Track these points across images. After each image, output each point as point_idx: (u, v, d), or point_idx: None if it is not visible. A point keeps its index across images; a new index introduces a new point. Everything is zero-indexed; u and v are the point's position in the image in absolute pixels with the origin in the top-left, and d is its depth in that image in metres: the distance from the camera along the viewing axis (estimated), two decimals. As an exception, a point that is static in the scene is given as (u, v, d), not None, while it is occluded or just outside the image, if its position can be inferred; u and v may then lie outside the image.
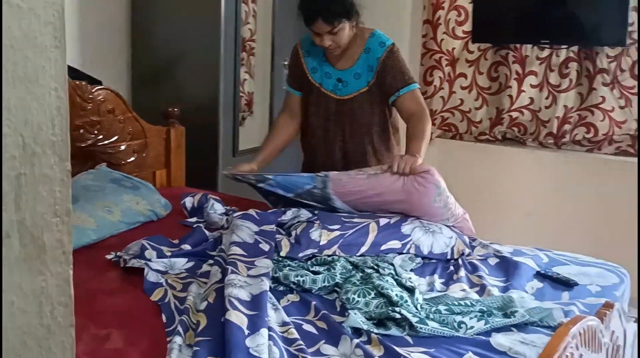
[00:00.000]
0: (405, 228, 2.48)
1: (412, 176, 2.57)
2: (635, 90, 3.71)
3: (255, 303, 1.92)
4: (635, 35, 3.65)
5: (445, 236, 2.50)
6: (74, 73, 3.15)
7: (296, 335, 1.82)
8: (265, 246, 2.31)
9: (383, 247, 2.42)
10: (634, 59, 3.68)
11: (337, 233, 2.42)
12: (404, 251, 2.43)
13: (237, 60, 3.63)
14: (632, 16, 3.62)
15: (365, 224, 2.47)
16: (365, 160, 2.93)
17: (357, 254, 2.39)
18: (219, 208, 2.81)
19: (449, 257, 2.48)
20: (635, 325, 2.52)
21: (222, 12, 3.48)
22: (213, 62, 3.54)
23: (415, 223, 2.51)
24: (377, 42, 2.85)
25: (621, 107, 3.76)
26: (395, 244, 2.43)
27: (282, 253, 2.36)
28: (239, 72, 3.67)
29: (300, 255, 2.35)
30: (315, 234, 2.41)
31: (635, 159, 3.72)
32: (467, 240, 2.59)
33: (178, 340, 1.79)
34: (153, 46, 3.71)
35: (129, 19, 3.72)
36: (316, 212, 2.62)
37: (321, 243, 2.38)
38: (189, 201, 2.93)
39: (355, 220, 2.51)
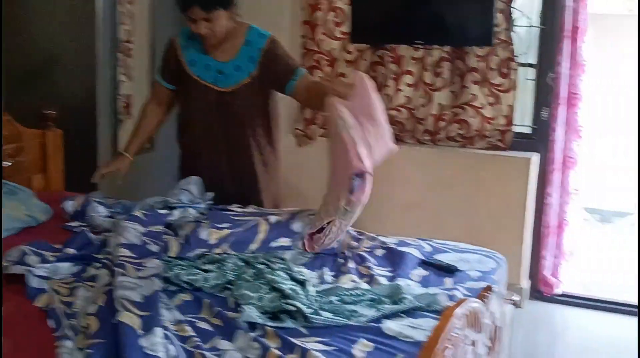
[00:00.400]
0: (295, 226, 2.51)
1: None
2: (503, 88, 3.92)
3: (148, 304, 1.90)
4: (501, 36, 3.86)
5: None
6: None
7: (191, 332, 1.82)
8: (153, 248, 2.29)
9: (273, 244, 2.45)
10: (501, 58, 3.89)
11: (227, 231, 2.43)
12: (294, 248, 2.46)
13: (115, 61, 3.55)
14: (498, 17, 3.83)
15: (254, 222, 2.49)
16: (249, 154, 2.97)
17: (247, 252, 2.40)
18: (102, 210, 2.75)
19: (337, 251, 2.54)
20: (512, 307, 2.68)
21: (98, 13, 3.41)
22: (90, 63, 3.47)
23: (305, 220, 2.56)
24: (256, 34, 2.93)
25: (491, 104, 3.96)
26: (285, 241, 2.47)
27: (172, 254, 2.34)
28: (117, 73, 3.59)
29: (190, 254, 2.35)
30: (204, 233, 2.41)
31: (506, 153, 3.94)
32: (354, 234, 2.66)
33: (68, 344, 1.75)
34: (27, 46, 3.57)
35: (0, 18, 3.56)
36: (204, 211, 2.62)
37: (210, 242, 2.38)
38: (70, 205, 2.84)
39: (244, 218, 2.53)
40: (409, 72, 4.06)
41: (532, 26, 3.89)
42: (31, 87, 3.58)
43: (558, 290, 4.04)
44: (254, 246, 2.42)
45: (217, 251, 2.37)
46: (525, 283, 4.01)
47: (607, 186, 5.74)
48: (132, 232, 2.37)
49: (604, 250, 5.20)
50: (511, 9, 3.83)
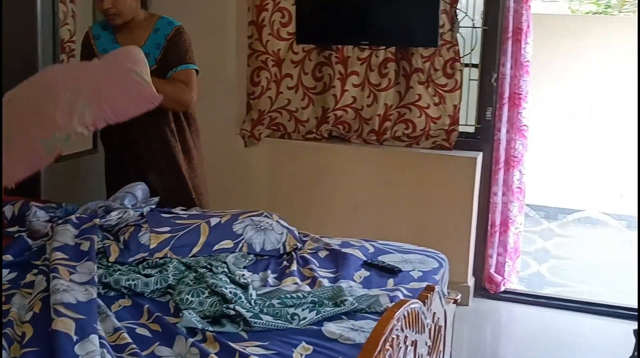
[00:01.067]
0: (237, 227, 2.51)
1: None
2: (448, 88, 3.96)
3: (83, 308, 1.88)
4: (446, 37, 3.90)
5: (276, 232, 2.55)
6: None
7: (129, 340, 1.80)
8: (85, 246, 2.25)
9: (215, 247, 2.44)
10: (445, 58, 3.93)
11: (167, 235, 2.41)
12: (237, 250, 2.46)
13: (56, 61, 3.48)
14: (442, 18, 3.87)
15: (196, 225, 2.48)
16: (166, 142, 3.02)
17: (190, 255, 2.39)
18: (42, 215, 2.69)
19: (281, 252, 2.54)
20: (454, 306, 2.71)
21: (38, 12, 3.34)
22: (30, 63, 3.38)
23: (247, 221, 2.55)
24: (165, 22, 3.03)
25: (435, 104, 3.99)
26: (227, 244, 2.46)
27: (112, 259, 2.31)
28: (59, 74, 3.52)
29: (130, 259, 2.32)
30: (144, 238, 2.39)
31: (451, 152, 3.98)
32: (297, 235, 2.66)
33: (2, 354, 1.71)
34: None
35: None
36: (144, 213, 2.59)
37: (151, 247, 2.36)
38: (8, 210, 2.77)
39: (185, 221, 2.51)
40: (355, 73, 4.08)
41: (476, 27, 3.94)
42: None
43: (503, 288, 4.10)
44: (196, 249, 2.40)
45: (159, 255, 2.35)
46: (471, 281, 4.06)
47: (553, 184, 5.86)
48: (66, 234, 2.33)
49: (549, 247, 5.30)
50: (455, 10, 3.88)
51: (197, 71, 3.05)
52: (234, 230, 2.49)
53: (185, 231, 2.45)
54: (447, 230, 3.95)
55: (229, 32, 4.15)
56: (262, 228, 2.54)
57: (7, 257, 2.33)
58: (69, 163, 3.66)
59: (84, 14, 3.76)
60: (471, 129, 4.07)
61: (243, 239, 2.48)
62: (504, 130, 3.97)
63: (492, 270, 4.10)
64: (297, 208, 4.09)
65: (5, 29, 3.39)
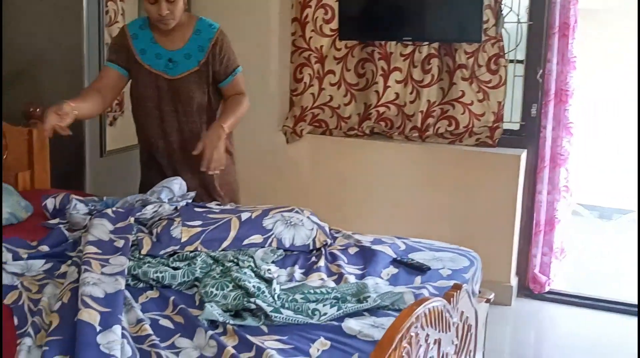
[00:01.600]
0: (267, 222, 2.52)
1: None
2: (492, 84, 3.90)
3: (109, 301, 1.91)
4: (490, 32, 3.84)
5: (306, 228, 2.56)
6: None
7: (149, 331, 1.83)
8: (120, 244, 2.30)
9: (245, 241, 2.46)
10: (489, 54, 3.87)
11: (198, 229, 2.44)
12: (266, 245, 2.47)
13: (101, 59, 3.56)
14: (486, 14, 3.81)
15: (226, 219, 2.50)
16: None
17: (219, 249, 2.41)
18: (81, 208, 2.76)
19: (311, 248, 2.54)
20: (487, 305, 2.67)
21: (84, 12, 3.42)
22: (76, 62, 3.47)
23: (277, 216, 2.56)
24: (206, 25, 3.02)
25: (479, 101, 3.95)
26: (257, 238, 2.47)
27: (144, 252, 2.36)
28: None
29: (162, 252, 2.36)
30: (176, 231, 2.42)
31: (494, 150, 3.92)
32: (328, 231, 2.66)
33: (28, 341, 1.77)
34: (14, 46, 3.58)
35: (-13, 17, 3.59)
36: (178, 207, 2.64)
37: (182, 240, 2.39)
38: (50, 203, 2.86)
39: (217, 216, 2.54)
40: (398, 69, 4.06)
41: (521, 22, 3.86)
42: (18, 86, 3.59)
43: (547, 288, 4.02)
44: (225, 244, 2.43)
45: (189, 248, 2.38)
46: (514, 281, 3.99)
47: (607, 184, 5.70)
48: (101, 228, 2.38)
49: (602, 247, 5.16)
50: (500, 5, 3.82)
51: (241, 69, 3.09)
52: (263, 225, 2.51)
53: (216, 225, 2.47)
54: (489, 229, 3.90)
55: (272, 29, 4.18)
56: (292, 223, 2.55)
57: (44, 248, 2.40)
58: (113, 158, 3.75)
59: (132, 11, 3.84)
60: (515, 126, 4.01)
61: (273, 234, 2.49)
62: (549, 127, 3.89)
63: (536, 270, 4.03)
64: (337, 204, 4.10)
65: (54, 29, 3.49)
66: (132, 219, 2.50)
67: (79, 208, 2.75)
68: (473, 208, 3.94)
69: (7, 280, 2.15)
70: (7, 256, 2.29)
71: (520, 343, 3.65)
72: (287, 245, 2.50)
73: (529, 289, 4.06)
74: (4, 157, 3.21)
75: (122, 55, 2.99)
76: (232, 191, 3.21)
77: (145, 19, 3.00)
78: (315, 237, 2.56)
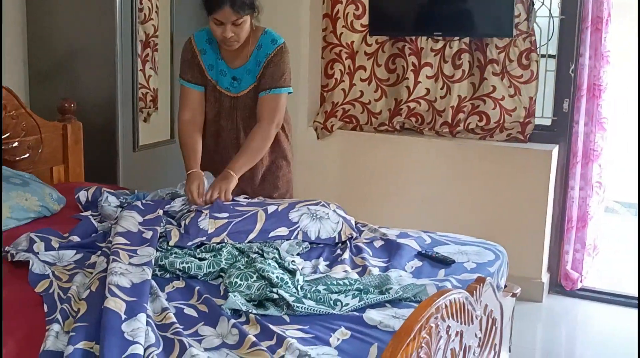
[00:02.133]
0: (293, 215, 2.55)
1: None
2: (523, 79, 3.88)
3: (135, 291, 1.95)
4: (521, 27, 3.82)
5: (332, 221, 2.58)
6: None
7: (174, 319, 1.86)
8: (148, 235, 2.34)
9: (271, 234, 2.49)
10: (520, 49, 3.85)
11: (225, 221, 2.47)
12: (292, 238, 2.50)
13: (134, 56, 3.62)
14: (518, 8, 3.78)
15: (253, 212, 2.53)
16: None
17: (246, 241, 2.45)
18: (113, 200, 2.82)
19: (336, 241, 2.56)
20: (513, 300, 2.66)
21: (117, 8, 3.48)
22: (110, 58, 3.53)
23: (303, 209, 2.58)
24: (269, 39, 2.92)
25: (511, 96, 3.92)
26: (282, 231, 2.50)
27: (172, 243, 2.40)
28: (137, 68, 3.66)
29: (189, 243, 2.40)
30: (203, 223, 2.46)
31: (526, 145, 3.89)
32: (354, 224, 2.68)
33: (56, 327, 1.81)
34: (50, 42, 3.66)
35: (24, 14, 3.67)
36: None
37: (209, 231, 2.43)
38: (82, 195, 2.92)
39: (243, 208, 2.57)
40: (429, 64, 4.06)
41: (553, 16, 3.83)
42: (54, 82, 3.68)
43: (579, 285, 3.98)
44: (252, 236, 2.46)
45: (216, 240, 2.42)
46: (545, 278, 3.96)
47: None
48: (130, 220, 2.43)
49: (637, 245, 5.07)
50: (531, -1, 3.80)
51: (289, 92, 2.99)
52: (290, 218, 2.54)
53: (242, 217, 2.50)
54: (520, 225, 3.87)
55: (303, 26, 4.20)
56: (318, 216, 2.57)
57: (75, 238, 2.45)
58: (146, 153, 3.81)
59: (166, 8, 3.90)
60: (547, 122, 3.98)
61: (298, 227, 2.52)
62: (582, 122, 3.85)
63: (568, 267, 3.99)
64: (368, 200, 4.11)
65: (88, 25, 3.56)
66: (160, 212, 2.55)
67: (110, 200, 2.82)
68: (503, 204, 3.92)
69: (39, 268, 2.21)
70: (39, 246, 2.35)
71: (551, 340, 3.62)
72: (313, 237, 2.52)
73: (560, 286, 4.03)
74: (40, 151, 3.29)
75: (195, 72, 2.96)
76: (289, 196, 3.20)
77: (209, 31, 2.89)
78: (341, 230, 2.58)
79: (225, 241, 2.43)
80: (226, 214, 2.52)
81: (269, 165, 3.08)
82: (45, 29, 3.66)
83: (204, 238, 2.43)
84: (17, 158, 3.17)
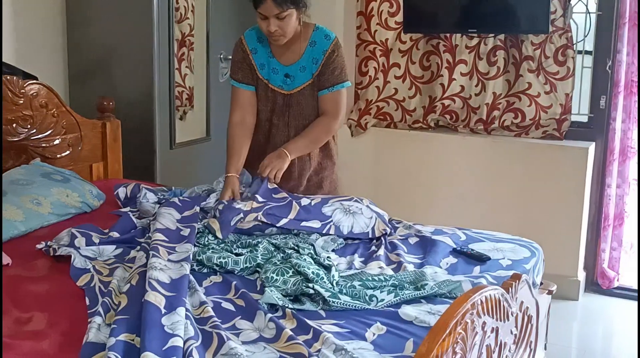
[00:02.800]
0: (326, 210, 2.57)
1: None
2: (559, 76, 3.85)
3: (175, 286, 1.99)
4: (557, 23, 3.79)
5: (365, 216, 2.60)
6: (8, 69, 3.17)
7: (212, 313, 1.89)
8: (185, 232, 2.38)
9: (304, 223, 2.51)
10: (556, 46, 3.82)
11: (261, 204, 2.52)
12: (324, 232, 2.52)
13: (171, 55, 3.67)
14: (554, 4, 3.76)
15: (288, 201, 2.58)
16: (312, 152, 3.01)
17: (278, 224, 2.49)
18: (151, 197, 2.86)
19: (370, 236, 2.58)
20: (549, 297, 2.65)
21: (154, 8, 3.53)
22: (147, 57, 3.58)
23: (336, 204, 2.60)
24: (322, 35, 2.91)
25: (546, 93, 3.90)
26: (315, 223, 2.52)
27: (218, 234, 2.43)
28: (173, 66, 3.71)
29: (231, 224, 2.44)
30: (240, 204, 2.51)
31: (562, 142, 3.87)
32: (387, 219, 2.69)
33: (98, 319, 1.86)
34: (89, 42, 3.73)
35: (64, 14, 3.74)
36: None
37: (245, 209, 2.47)
38: (122, 192, 2.98)
39: (279, 196, 2.62)
40: (463, 61, 4.05)
41: (590, 12, 3.79)
42: (93, 81, 3.74)
43: (616, 283, 3.94)
44: (284, 221, 2.50)
45: (251, 216, 2.46)
46: (581, 276, 3.93)
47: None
48: (168, 217, 2.47)
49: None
50: (568, -5, 3.77)
51: (349, 85, 2.99)
52: (323, 211, 2.56)
53: (278, 204, 2.55)
54: (556, 223, 3.85)
55: (337, 23, 4.21)
56: (351, 211, 2.59)
57: (115, 234, 2.50)
58: (183, 150, 3.86)
59: (201, 8, 3.94)
60: (584, 119, 3.94)
61: (331, 221, 2.54)
62: (619, 119, 3.81)
63: (605, 265, 3.96)
64: (401, 197, 4.11)
65: (126, 25, 3.62)
66: (197, 209, 2.59)
67: (148, 196, 2.86)
68: (539, 202, 3.89)
69: (80, 263, 2.26)
70: (80, 241, 2.40)
71: (587, 338, 3.59)
72: (346, 232, 2.54)
73: (597, 284, 3.99)
74: (79, 148, 3.35)
75: (247, 72, 2.95)
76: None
77: (259, 30, 2.89)
78: (374, 225, 2.59)
79: (259, 218, 2.46)
80: (264, 199, 2.56)
81: (316, 166, 3.08)
82: (84, 29, 3.72)
83: (241, 215, 2.46)
84: (58, 155, 3.24)
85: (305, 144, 2.89)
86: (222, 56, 4.05)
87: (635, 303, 3.85)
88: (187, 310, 1.89)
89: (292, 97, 2.95)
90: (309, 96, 2.94)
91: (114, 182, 3.25)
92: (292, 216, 2.51)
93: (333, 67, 2.88)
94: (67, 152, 3.28)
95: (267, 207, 2.51)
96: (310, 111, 2.96)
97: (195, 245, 2.36)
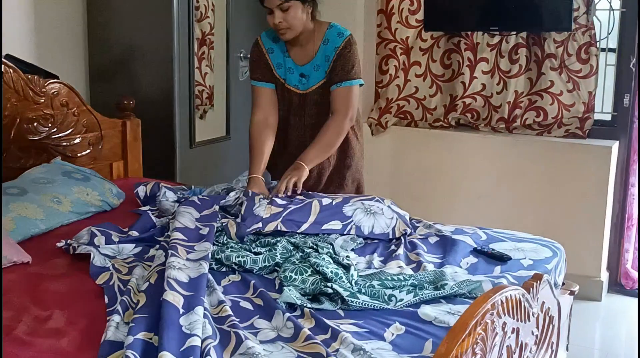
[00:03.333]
0: (347, 209, 2.55)
1: None
2: (582, 74, 3.80)
3: (193, 285, 1.98)
4: (580, 20, 3.74)
5: (386, 217, 2.57)
6: (29, 68, 3.19)
7: (230, 312, 1.88)
8: (204, 231, 2.38)
9: (325, 226, 2.49)
10: (579, 43, 3.78)
11: (281, 208, 2.49)
12: (345, 232, 2.50)
13: (191, 54, 3.68)
14: (577, 1, 3.71)
15: (308, 202, 2.55)
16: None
17: (299, 231, 2.46)
18: (170, 196, 2.86)
19: (390, 237, 2.56)
20: (571, 298, 2.62)
21: (174, 7, 3.54)
22: (167, 56, 3.59)
23: (357, 204, 2.58)
24: (335, 33, 2.90)
25: (569, 91, 3.86)
26: (336, 224, 2.50)
27: (232, 235, 2.42)
28: (193, 65, 3.72)
29: (248, 230, 2.42)
30: (258, 210, 2.48)
31: (585, 141, 3.82)
32: (408, 220, 2.67)
33: (116, 318, 1.86)
34: (109, 41, 3.75)
35: (85, 13, 3.76)
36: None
37: (264, 217, 2.45)
38: (141, 190, 2.98)
39: (299, 198, 2.60)
40: (485, 59, 4.02)
41: (613, 9, 3.74)
42: (114, 80, 3.76)
43: (640, 284, 3.90)
44: (305, 226, 2.47)
45: (270, 226, 2.43)
46: (604, 276, 3.88)
47: None
48: (187, 216, 2.46)
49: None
50: (591, -8, 3.72)
51: (361, 84, 2.96)
52: (344, 211, 2.54)
53: (297, 205, 2.52)
54: (578, 223, 3.80)
55: (357, 21, 4.20)
56: (372, 211, 2.57)
57: (134, 233, 2.51)
58: (203, 149, 3.87)
59: (222, 7, 3.95)
60: (607, 117, 3.90)
61: (352, 221, 2.52)
62: (643, 118, 3.76)
63: (628, 265, 3.91)
64: (422, 196, 4.09)
65: (146, 24, 3.63)
66: (217, 208, 2.58)
67: (168, 195, 2.87)
68: (562, 201, 3.85)
69: (99, 261, 2.26)
70: (100, 239, 2.41)
71: (610, 339, 3.54)
72: (366, 232, 2.52)
73: (620, 285, 3.94)
74: (100, 147, 3.37)
75: (265, 71, 2.97)
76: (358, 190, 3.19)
77: (274, 31, 2.89)
78: (395, 226, 2.57)
79: (279, 228, 2.44)
80: (282, 203, 2.54)
81: (336, 163, 3.06)
82: (104, 28, 3.74)
83: (259, 224, 2.44)
84: (79, 154, 3.26)
85: (319, 151, 2.85)
86: (242, 55, 4.06)
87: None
88: (205, 309, 1.88)
89: (307, 97, 2.95)
90: (324, 95, 2.94)
91: (134, 181, 3.25)
92: (312, 219, 2.48)
93: (343, 62, 2.86)
94: (88, 151, 3.30)
95: (286, 212, 2.48)
96: (325, 109, 2.95)
97: (214, 244, 2.35)
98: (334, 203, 2.57)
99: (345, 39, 2.88)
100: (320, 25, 2.91)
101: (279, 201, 2.54)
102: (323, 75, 2.91)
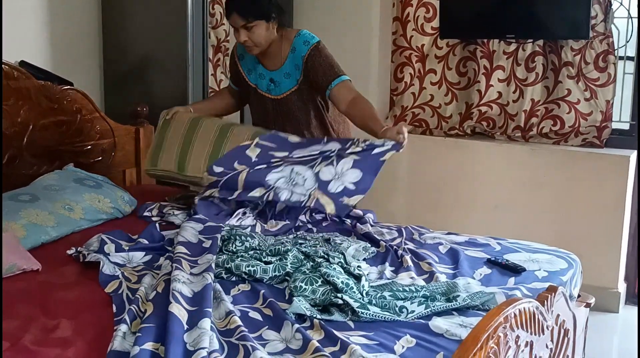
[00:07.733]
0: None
1: None
2: (600, 82, 3.76)
3: (197, 299, 1.96)
4: (598, 28, 3.70)
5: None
6: (43, 74, 3.20)
7: (239, 323, 1.86)
8: (207, 243, 2.37)
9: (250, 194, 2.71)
10: (597, 51, 3.73)
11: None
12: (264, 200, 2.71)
13: (205, 61, 3.67)
14: (595, 9, 3.67)
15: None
16: None
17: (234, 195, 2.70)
18: (178, 212, 2.85)
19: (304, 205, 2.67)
20: (587, 310, 2.57)
21: (188, 15, 3.54)
22: (181, 63, 3.60)
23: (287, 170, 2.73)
24: (301, 42, 2.95)
25: (586, 100, 3.81)
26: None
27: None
28: (207, 72, 3.71)
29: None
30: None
31: (602, 150, 3.77)
32: (422, 230, 2.64)
33: (123, 327, 1.84)
34: (124, 48, 3.75)
35: (100, 21, 3.77)
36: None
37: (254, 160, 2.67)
38: (148, 213, 2.92)
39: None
40: (501, 67, 3.98)
41: (632, 17, 3.70)
42: (128, 87, 3.76)
43: (659, 296, 3.83)
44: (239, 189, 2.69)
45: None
46: (622, 288, 3.82)
47: None
48: (190, 231, 2.46)
49: None
50: (609, -1, 3.68)
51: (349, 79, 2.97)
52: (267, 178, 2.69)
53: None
54: (595, 233, 3.75)
55: (373, 29, 4.18)
56: (295, 183, 2.67)
57: (144, 241, 2.49)
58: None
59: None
60: (625, 126, 3.85)
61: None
62: (662, 127, 3.71)
63: (647, 277, 3.84)
64: (437, 205, 4.05)
65: (161, 31, 3.63)
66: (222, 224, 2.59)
67: (176, 213, 2.85)
68: (578, 211, 3.80)
69: (109, 269, 2.25)
70: (110, 247, 2.40)
71: (628, 352, 3.47)
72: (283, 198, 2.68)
73: (638, 296, 3.88)
74: (113, 154, 3.37)
75: (235, 77, 3.14)
76: None
77: None
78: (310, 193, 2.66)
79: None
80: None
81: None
82: (119, 36, 3.75)
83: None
84: (92, 161, 3.25)
85: (372, 123, 2.84)
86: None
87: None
88: (211, 322, 1.86)
89: (281, 103, 3.01)
90: (298, 101, 2.99)
91: (147, 188, 3.25)
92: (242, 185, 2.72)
93: (322, 70, 2.91)
94: (101, 157, 3.30)
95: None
96: (303, 116, 3.01)
97: (223, 252, 2.34)
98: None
99: (311, 47, 2.93)
100: (288, 33, 2.98)
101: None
102: (294, 82, 2.97)
